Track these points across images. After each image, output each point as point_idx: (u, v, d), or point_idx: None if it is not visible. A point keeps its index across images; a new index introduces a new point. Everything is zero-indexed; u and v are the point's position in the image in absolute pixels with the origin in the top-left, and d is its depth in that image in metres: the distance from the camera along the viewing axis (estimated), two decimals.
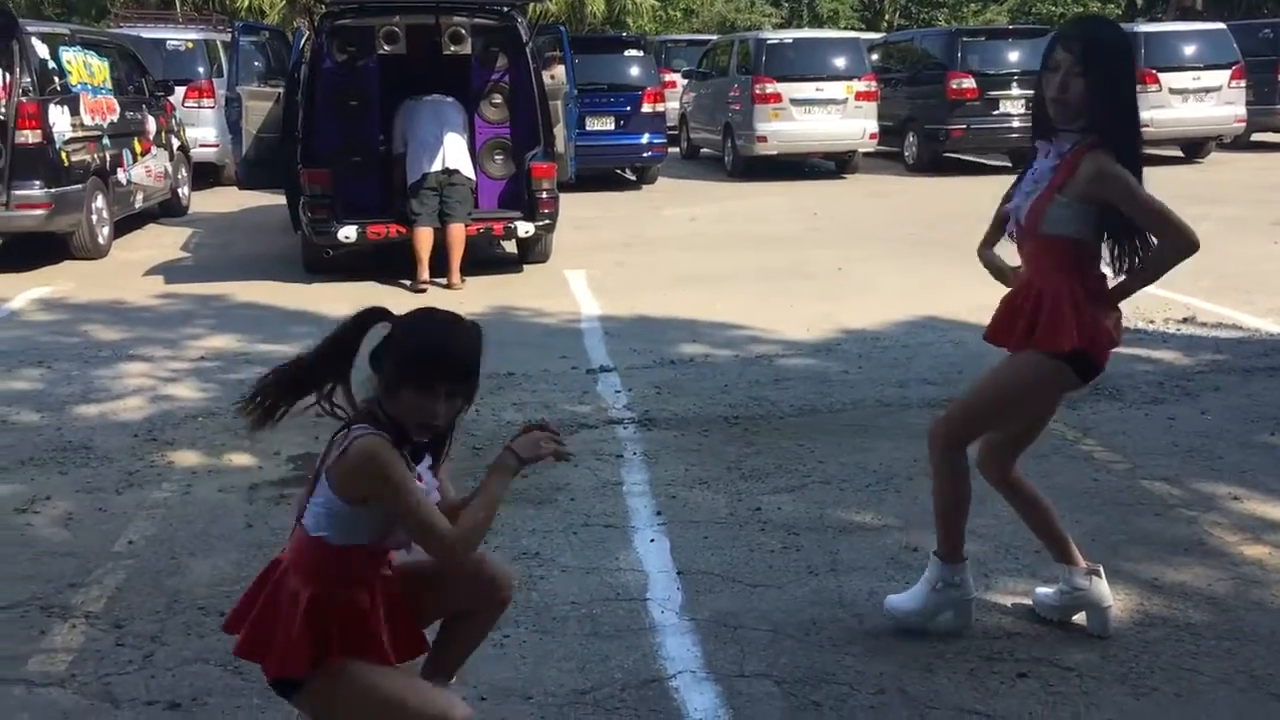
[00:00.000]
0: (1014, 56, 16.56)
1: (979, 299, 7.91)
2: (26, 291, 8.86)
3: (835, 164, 17.02)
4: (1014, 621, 3.50)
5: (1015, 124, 16.14)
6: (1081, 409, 5.57)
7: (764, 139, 15.88)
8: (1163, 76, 16.39)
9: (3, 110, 9.48)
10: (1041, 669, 3.23)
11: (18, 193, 9.36)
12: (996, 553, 3.97)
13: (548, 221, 9.31)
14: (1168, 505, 4.41)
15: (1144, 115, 14.01)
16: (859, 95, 15.94)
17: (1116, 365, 6.28)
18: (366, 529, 2.47)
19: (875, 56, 18.47)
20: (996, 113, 16.17)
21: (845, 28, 32.73)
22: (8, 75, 9.45)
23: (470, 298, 8.38)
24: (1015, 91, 16.18)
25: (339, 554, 2.47)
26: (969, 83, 16.07)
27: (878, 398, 5.81)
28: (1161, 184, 14.13)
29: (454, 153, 8.88)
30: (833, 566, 3.90)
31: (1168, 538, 4.10)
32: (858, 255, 9.68)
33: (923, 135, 16.67)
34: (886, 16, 39.04)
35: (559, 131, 9.66)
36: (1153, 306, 7.59)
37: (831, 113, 15.90)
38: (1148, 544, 4.05)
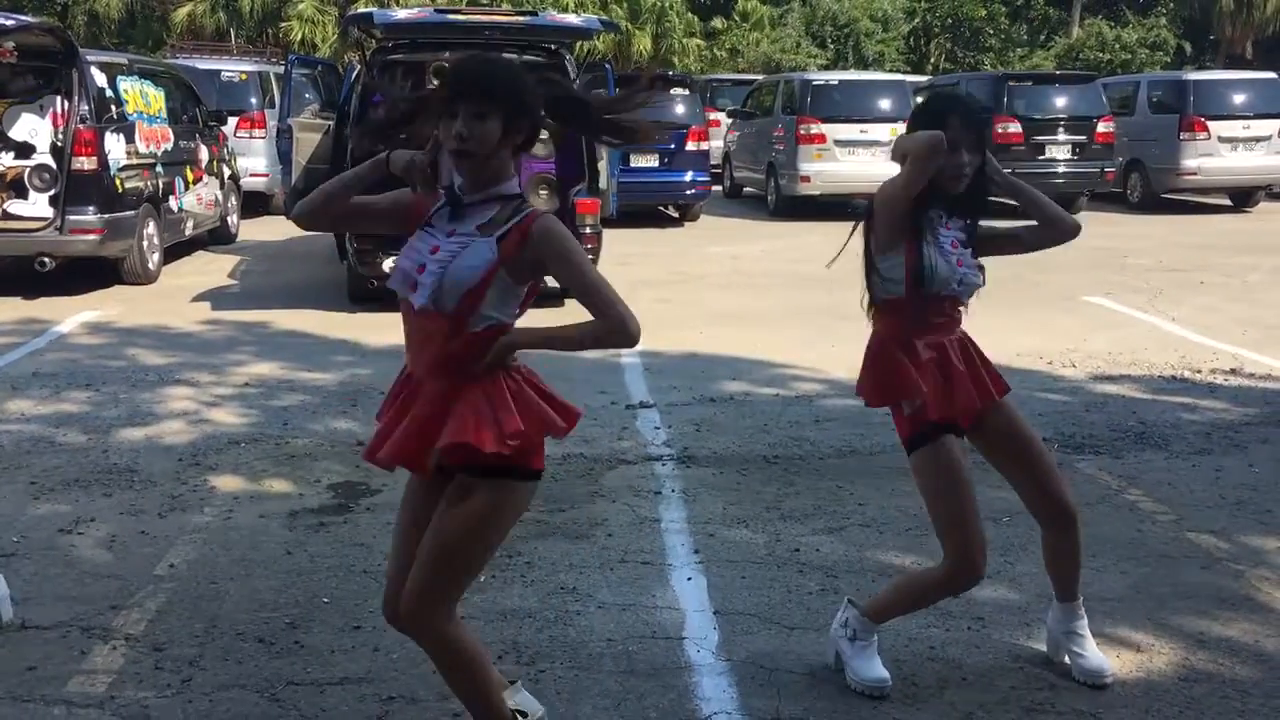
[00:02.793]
0: (1061, 102, 16.53)
1: (1023, 343, 7.88)
2: (76, 315, 9.01)
3: None
4: (1057, 673, 3.44)
5: (1061, 169, 16.09)
6: (1126, 458, 5.50)
7: (807, 179, 15.89)
8: (1211, 125, 16.27)
9: (60, 137, 9.70)
10: None
11: (72, 217, 9.53)
12: (1039, 601, 3.91)
13: (590, 257, 9.34)
14: (1214, 558, 4.33)
15: (1192, 163, 13.92)
16: None
17: (1163, 415, 6.23)
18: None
19: (921, 99, 18.46)
20: (1042, 158, 16.11)
21: (891, 70, 32.81)
22: (66, 103, 9.66)
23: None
24: (1062, 137, 16.15)
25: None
26: (1014, 128, 16.04)
27: None
28: (1209, 233, 13.94)
29: None
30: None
31: (1214, 591, 4.03)
32: None
33: None
34: (932, 59, 39.07)
35: (602, 168, 9.74)
36: (1200, 357, 7.50)
37: (876, 154, 15.87)
38: (1193, 597, 3.98)
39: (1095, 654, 3.40)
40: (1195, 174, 16.37)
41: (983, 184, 3.23)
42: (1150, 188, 17.04)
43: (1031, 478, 3.33)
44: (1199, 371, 7.16)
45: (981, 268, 3.28)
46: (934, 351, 3.21)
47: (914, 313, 3.22)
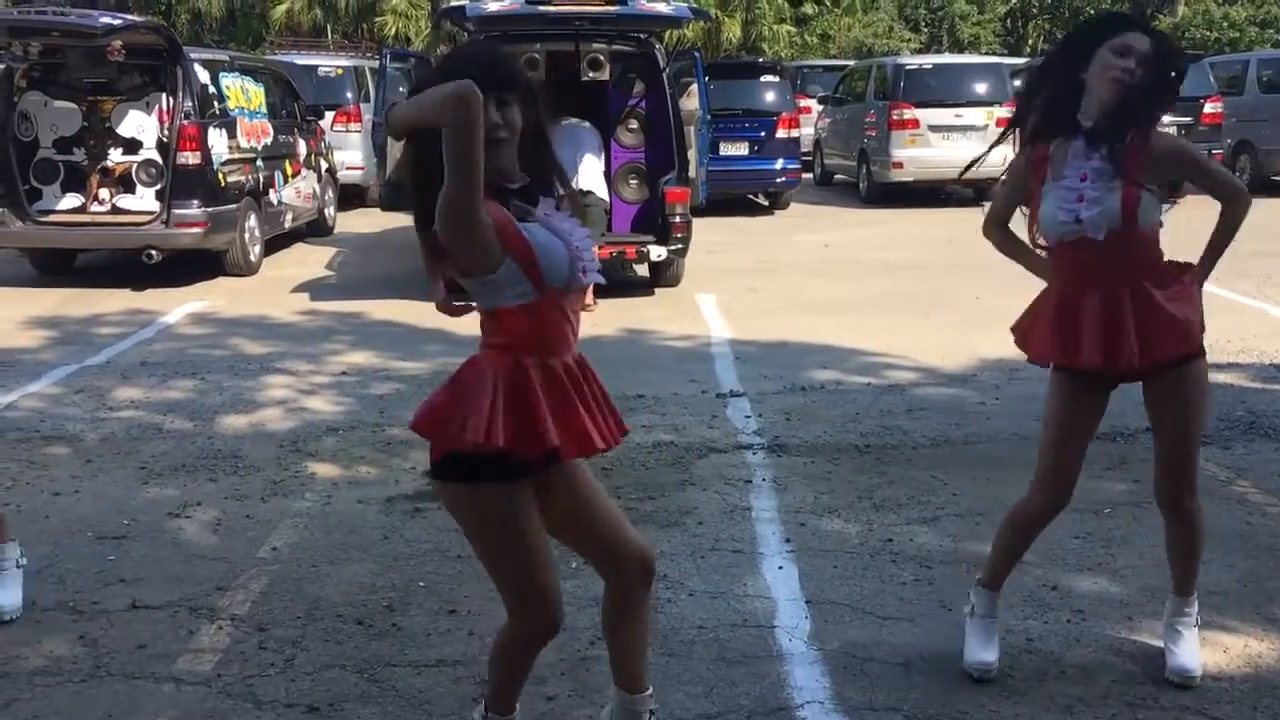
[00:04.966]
0: None
1: None
2: (181, 306, 9.28)
3: (973, 191, 16.68)
4: (1160, 667, 3.35)
5: None
6: (1235, 448, 5.33)
7: (900, 165, 15.66)
8: None
9: (166, 133, 10.00)
10: (1189, 719, 3.09)
11: (177, 211, 9.81)
12: (1141, 595, 3.81)
13: (680, 245, 9.36)
14: None
15: None
16: (1000, 121, 15.58)
17: (1273, 404, 6.02)
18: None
19: (1018, 82, 18.07)
20: None
21: (986, 53, 32.17)
22: (171, 99, 9.95)
23: (602, 319, 8.46)
24: (1166, 118, 15.62)
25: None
26: None
27: (1014, 430, 5.66)
28: None
29: (589, 174, 9.00)
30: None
31: None
32: (995, 285, 9.44)
33: None
34: (1030, 41, 38.23)
35: (692, 156, 9.72)
36: None
37: (971, 139, 15.57)
38: None
39: (1188, 652, 3.28)
40: None
41: (1135, 102, 2.99)
42: (1260, 169, 16.44)
43: (1163, 456, 3.21)
44: None
45: (1137, 197, 3.02)
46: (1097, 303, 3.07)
47: (1055, 261, 3.16)
